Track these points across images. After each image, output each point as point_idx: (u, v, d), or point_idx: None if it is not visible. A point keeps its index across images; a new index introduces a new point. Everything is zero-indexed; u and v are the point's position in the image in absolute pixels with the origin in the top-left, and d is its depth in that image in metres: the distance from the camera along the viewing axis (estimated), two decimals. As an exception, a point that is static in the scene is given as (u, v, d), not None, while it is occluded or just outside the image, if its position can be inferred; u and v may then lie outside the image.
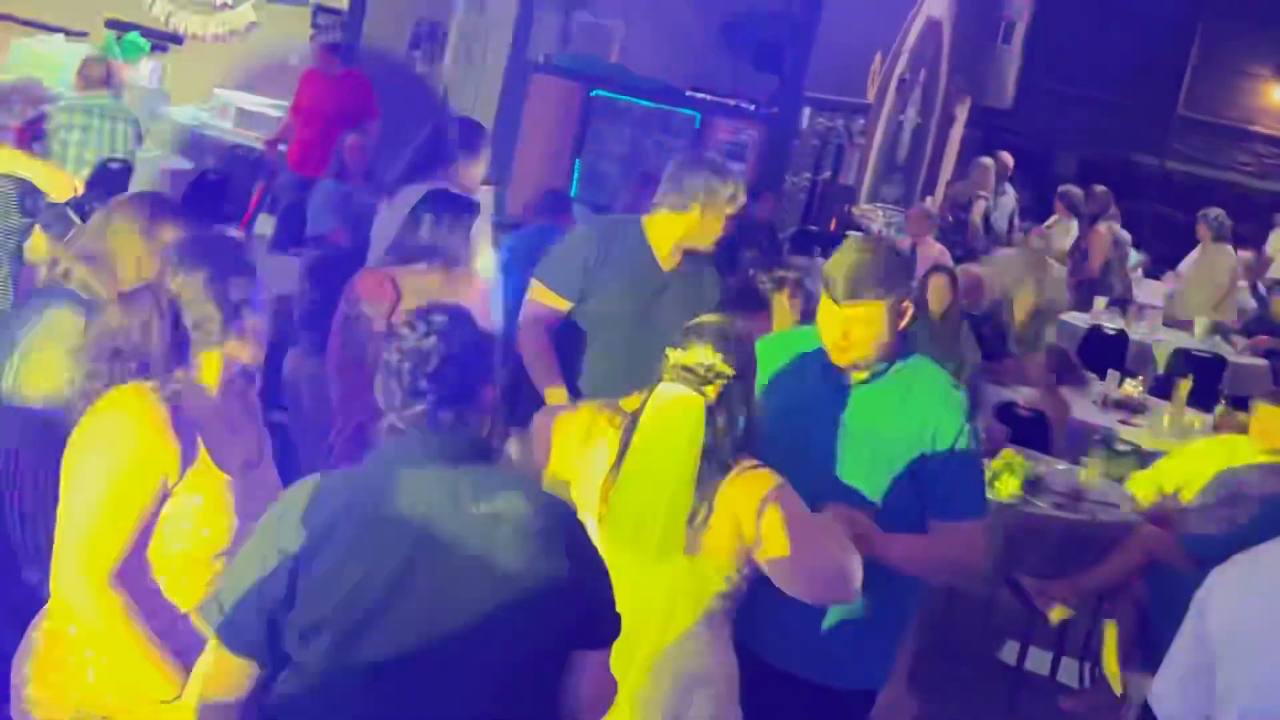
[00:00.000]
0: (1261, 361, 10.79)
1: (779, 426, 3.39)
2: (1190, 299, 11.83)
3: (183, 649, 2.79)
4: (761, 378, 3.53)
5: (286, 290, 6.82)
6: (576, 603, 2.44)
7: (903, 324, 3.54)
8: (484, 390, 2.54)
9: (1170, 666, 2.54)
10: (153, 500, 2.76)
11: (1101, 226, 12.86)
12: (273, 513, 2.50)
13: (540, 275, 4.92)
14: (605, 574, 2.52)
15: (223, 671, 2.51)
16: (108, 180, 8.04)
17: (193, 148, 11.10)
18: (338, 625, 2.37)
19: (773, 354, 3.68)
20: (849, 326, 3.45)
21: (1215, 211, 12.01)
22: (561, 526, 2.47)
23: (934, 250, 11.17)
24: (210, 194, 9.26)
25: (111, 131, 8.78)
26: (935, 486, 3.47)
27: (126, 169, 8.92)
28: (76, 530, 2.75)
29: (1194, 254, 12.14)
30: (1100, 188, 14.02)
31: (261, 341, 2.98)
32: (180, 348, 2.86)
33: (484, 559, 2.36)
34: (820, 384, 3.58)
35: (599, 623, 2.51)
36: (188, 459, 2.79)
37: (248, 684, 2.51)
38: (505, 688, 2.40)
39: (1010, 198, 14.59)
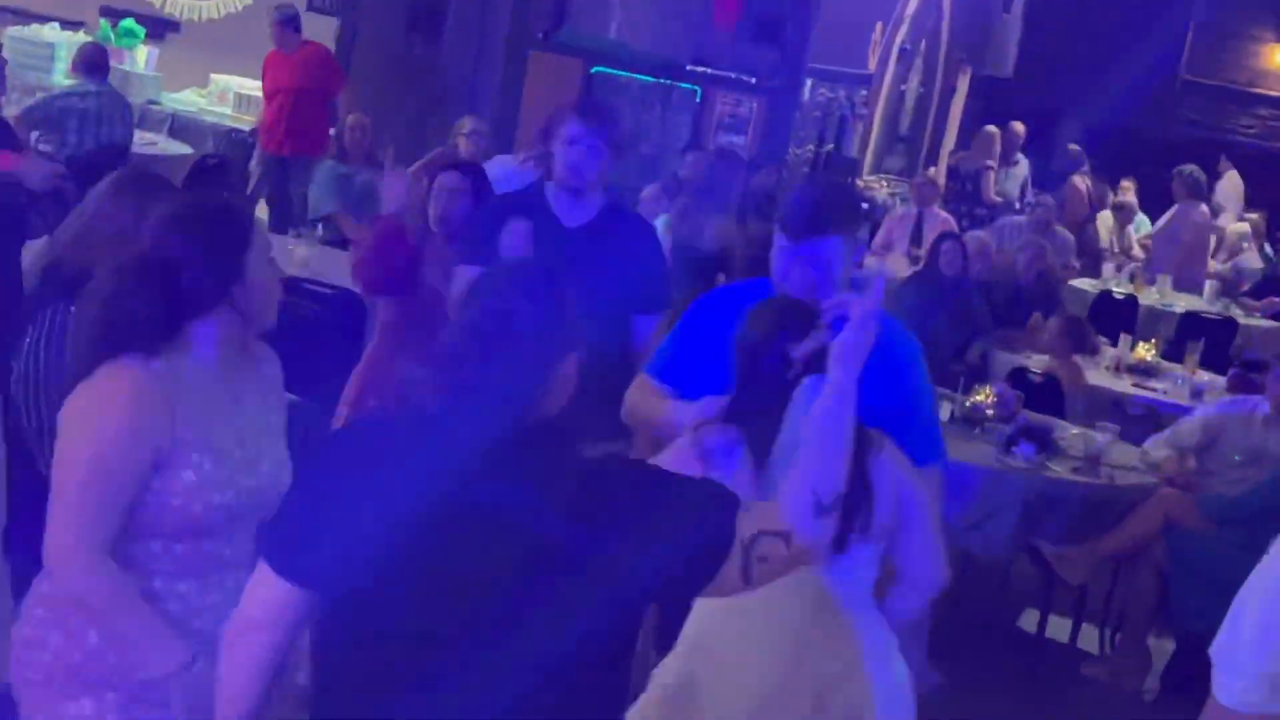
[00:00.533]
0: (1273, 323, 10.75)
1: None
2: (1161, 256, 11.88)
3: (177, 624, 2.78)
4: (715, 331, 3.54)
5: (290, 272, 6.77)
6: (627, 583, 2.24)
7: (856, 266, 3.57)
8: (565, 361, 2.35)
9: (1247, 621, 2.42)
10: (140, 475, 2.71)
11: (1075, 178, 12.85)
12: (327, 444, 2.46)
13: (459, 256, 4.76)
14: (684, 547, 2.27)
15: (261, 587, 2.42)
16: (204, 176, 8.05)
17: (191, 133, 11.04)
18: (360, 570, 2.28)
19: (721, 308, 3.69)
20: (808, 265, 3.43)
21: (1189, 168, 12.07)
22: (614, 508, 2.25)
23: (941, 218, 11.15)
24: (209, 179, 9.20)
25: (109, 119, 8.74)
26: (896, 434, 3.40)
27: (223, 163, 8.89)
28: (66, 509, 2.72)
29: (1169, 212, 12.20)
30: (1073, 146, 14.07)
31: (264, 310, 2.89)
32: (175, 318, 2.77)
33: (505, 542, 2.22)
34: None
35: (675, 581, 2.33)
36: (178, 434, 2.72)
37: (283, 609, 2.40)
38: (526, 658, 2.24)
39: (1023, 167, 14.53)
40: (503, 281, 2.37)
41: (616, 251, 4.49)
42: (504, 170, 7.06)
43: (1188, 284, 11.54)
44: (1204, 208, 12.17)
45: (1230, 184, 14.74)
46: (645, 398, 3.79)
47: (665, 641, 3.79)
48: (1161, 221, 12.41)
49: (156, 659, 2.74)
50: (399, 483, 2.28)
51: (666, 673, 3.19)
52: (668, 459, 3.10)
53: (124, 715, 2.81)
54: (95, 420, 2.71)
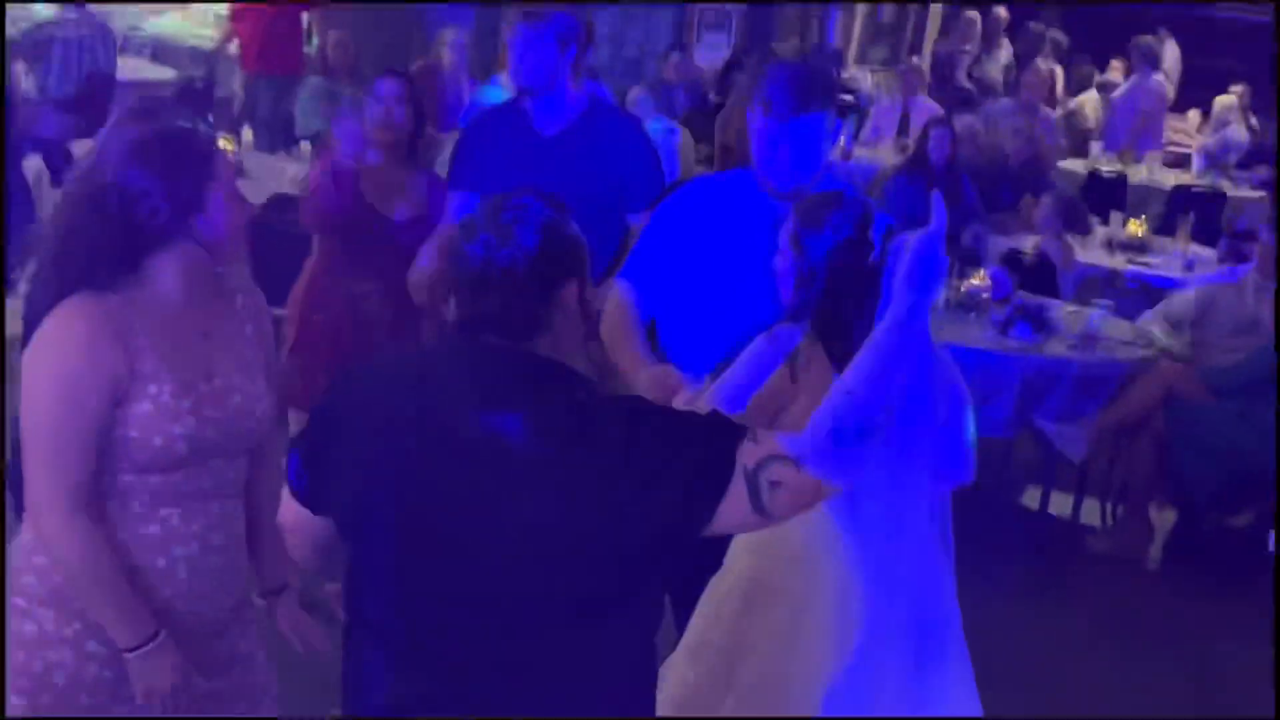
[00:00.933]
0: (1260, 193, 10.71)
1: (721, 269, 3.43)
2: (1119, 125, 11.90)
3: (149, 565, 2.74)
4: (694, 223, 3.57)
5: (282, 190, 6.71)
6: (626, 531, 2.19)
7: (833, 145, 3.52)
8: (565, 289, 2.29)
9: None
10: (102, 411, 2.62)
11: (1039, 61, 12.78)
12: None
13: (450, 182, 4.66)
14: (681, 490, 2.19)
15: (289, 508, 2.53)
16: (191, 98, 7.98)
17: (174, 57, 10.92)
18: (351, 502, 2.33)
19: (698, 199, 3.67)
20: (798, 143, 3.40)
21: (1144, 39, 12.05)
22: (609, 455, 2.18)
23: (927, 106, 11.12)
24: (195, 102, 9.11)
25: (92, 47, 8.65)
26: None
27: (209, 86, 8.79)
28: (37, 461, 2.64)
29: (1126, 82, 12.21)
30: (1036, 27, 14.02)
31: (230, 243, 2.77)
32: (133, 250, 2.66)
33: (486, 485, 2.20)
34: (755, 219, 3.47)
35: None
36: (135, 367, 2.64)
37: (305, 522, 2.51)
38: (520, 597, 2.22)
39: (1005, 51, 14.42)
40: (500, 212, 2.28)
41: (599, 154, 4.32)
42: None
43: (1146, 153, 11.60)
44: (1159, 76, 12.20)
45: (1168, 55, 14.67)
46: (620, 337, 3.70)
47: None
48: (1119, 91, 12.42)
49: (120, 633, 2.67)
50: (404, 421, 2.26)
51: (729, 574, 3.16)
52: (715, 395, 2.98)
53: (102, 664, 2.76)
54: (50, 365, 2.63)
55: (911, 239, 2.32)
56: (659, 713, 2.90)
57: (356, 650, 2.39)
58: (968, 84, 13.50)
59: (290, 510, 2.52)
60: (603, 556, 2.19)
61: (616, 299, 3.72)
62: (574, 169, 4.19)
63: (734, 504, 2.18)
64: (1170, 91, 13.20)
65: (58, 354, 2.62)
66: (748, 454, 2.18)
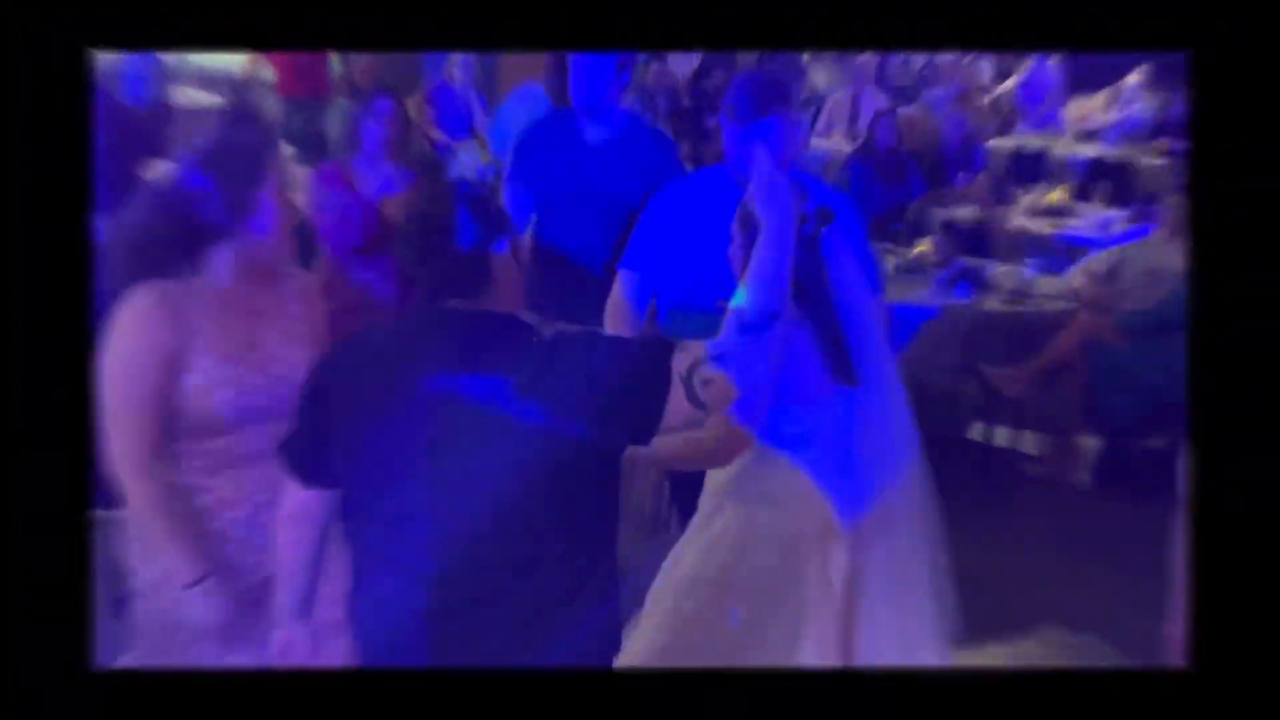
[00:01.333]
0: (1166, 161, 10.92)
1: (703, 253, 3.44)
2: (1025, 99, 12.11)
3: (205, 529, 2.85)
4: (681, 213, 3.61)
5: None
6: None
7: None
8: (497, 248, 2.33)
9: None
10: (160, 381, 2.73)
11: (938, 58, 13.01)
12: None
13: (508, 177, 4.69)
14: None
15: (292, 500, 2.53)
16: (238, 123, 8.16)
17: (220, 85, 10.97)
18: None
19: (684, 191, 3.71)
20: (762, 142, 3.30)
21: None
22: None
23: (875, 98, 11.21)
24: (242, 125, 9.26)
25: (144, 76, 8.76)
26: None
27: (254, 111, 8.91)
28: (111, 423, 2.74)
29: (1031, 61, 12.42)
30: None
31: (280, 239, 2.84)
32: (192, 245, 2.77)
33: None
34: (730, 209, 3.30)
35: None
36: (188, 344, 2.75)
37: (310, 505, 2.52)
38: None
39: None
40: (431, 195, 2.38)
41: (633, 165, 4.37)
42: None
43: (1056, 127, 11.75)
44: (1053, 61, 12.34)
45: None
46: (620, 320, 3.74)
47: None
48: (1020, 77, 12.59)
49: (180, 568, 2.80)
50: (391, 380, 2.30)
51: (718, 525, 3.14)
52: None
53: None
54: (117, 345, 2.73)
55: (754, 181, 2.71)
56: (653, 634, 3.09)
57: (375, 577, 2.39)
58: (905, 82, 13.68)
59: (294, 501, 2.51)
60: (579, 465, 2.29)
61: (617, 286, 3.80)
62: (609, 176, 4.34)
63: (676, 405, 2.33)
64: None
65: (122, 335, 2.73)
66: (679, 361, 2.35)
